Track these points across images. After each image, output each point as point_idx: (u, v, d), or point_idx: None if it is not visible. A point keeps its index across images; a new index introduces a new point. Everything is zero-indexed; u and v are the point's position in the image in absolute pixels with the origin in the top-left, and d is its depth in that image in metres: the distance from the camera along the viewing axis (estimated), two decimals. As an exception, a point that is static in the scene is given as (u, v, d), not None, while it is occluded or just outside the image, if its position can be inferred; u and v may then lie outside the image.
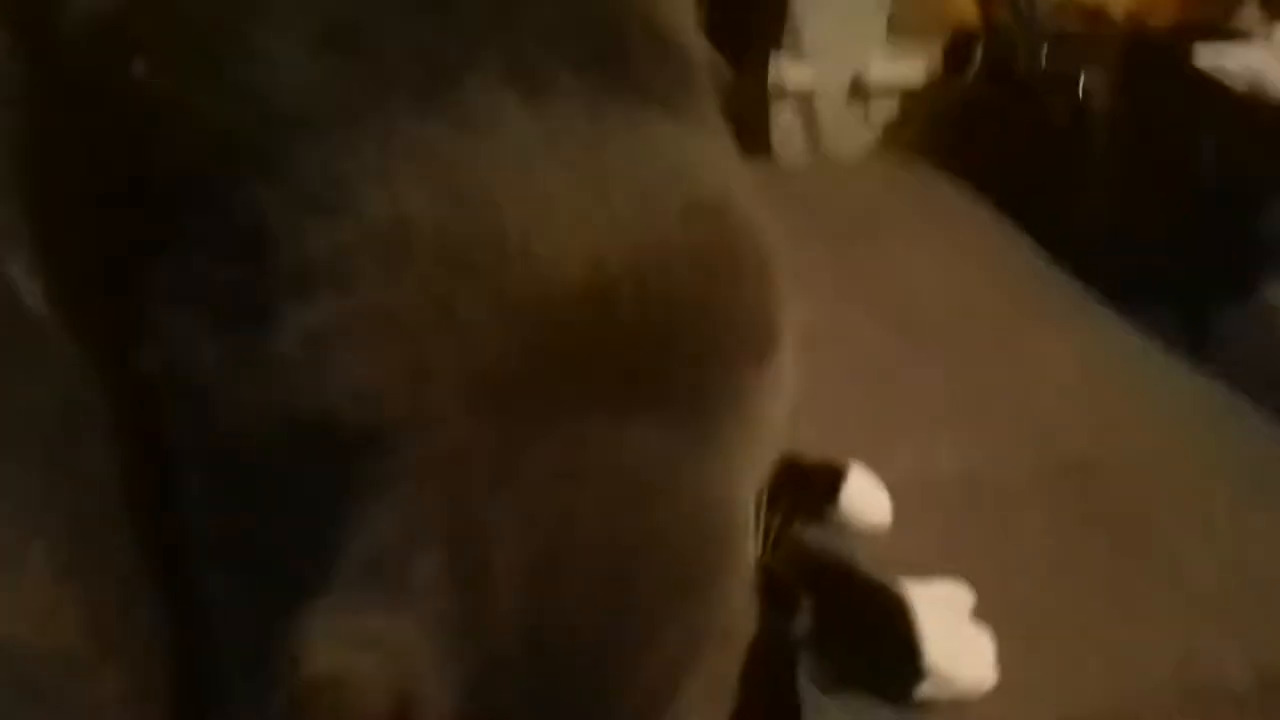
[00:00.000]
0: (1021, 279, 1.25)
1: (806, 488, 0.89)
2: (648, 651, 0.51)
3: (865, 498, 0.90)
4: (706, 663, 0.53)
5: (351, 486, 0.51)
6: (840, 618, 0.75)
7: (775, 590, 0.65)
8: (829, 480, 0.90)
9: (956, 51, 2.01)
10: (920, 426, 1.00)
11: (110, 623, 0.57)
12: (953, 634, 0.76)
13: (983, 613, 0.80)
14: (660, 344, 0.56)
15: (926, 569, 0.79)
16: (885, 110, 2.05)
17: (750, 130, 1.72)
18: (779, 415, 0.63)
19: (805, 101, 1.97)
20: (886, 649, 0.75)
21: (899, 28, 1.94)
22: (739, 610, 0.56)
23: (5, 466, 0.53)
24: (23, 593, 0.50)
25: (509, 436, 0.52)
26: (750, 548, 0.59)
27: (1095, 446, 1.00)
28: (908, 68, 2.02)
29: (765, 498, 0.68)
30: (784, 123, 1.91)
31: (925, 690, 0.74)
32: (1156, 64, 1.92)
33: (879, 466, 0.91)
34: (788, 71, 1.90)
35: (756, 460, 0.61)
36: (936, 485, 0.93)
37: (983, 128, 1.99)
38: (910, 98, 2.06)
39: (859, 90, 2.01)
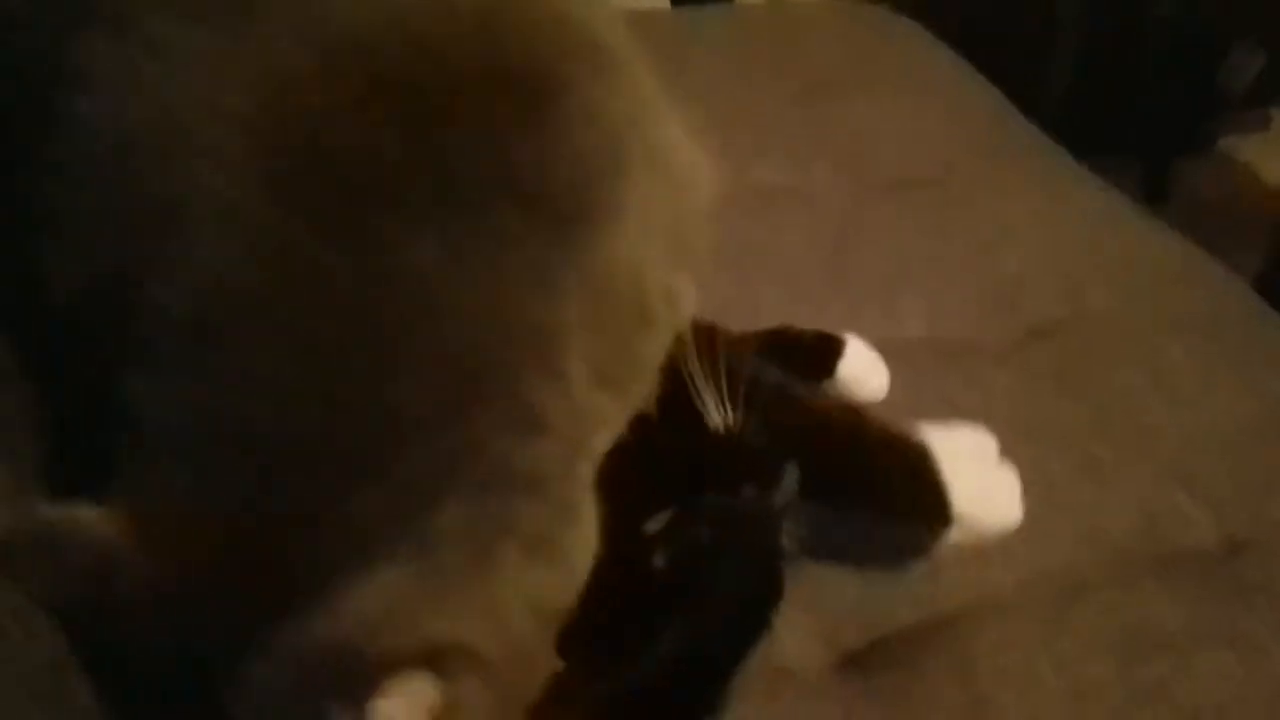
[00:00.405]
0: (988, 132, 1.22)
1: (799, 359, 0.84)
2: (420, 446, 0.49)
3: (864, 369, 0.86)
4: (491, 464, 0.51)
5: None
6: (847, 473, 0.71)
7: (749, 462, 0.62)
8: (825, 352, 0.85)
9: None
10: (884, 287, 0.98)
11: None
12: (977, 476, 0.73)
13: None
14: (426, 112, 0.53)
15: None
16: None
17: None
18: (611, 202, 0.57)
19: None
20: (907, 499, 0.72)
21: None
22: (548, 407, 0.53)
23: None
24: None
25: (271, 256, 0.51)
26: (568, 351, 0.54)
27: (1061, 307, 0.98)
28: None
29: (726, 363, 0.65)
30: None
31: (951, 537, 0.71)
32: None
33: (842, 329, 0.88)
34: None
35: (572, 249, 0.55)
36: (901, 348, 0.90)
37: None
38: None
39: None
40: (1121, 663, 0.70)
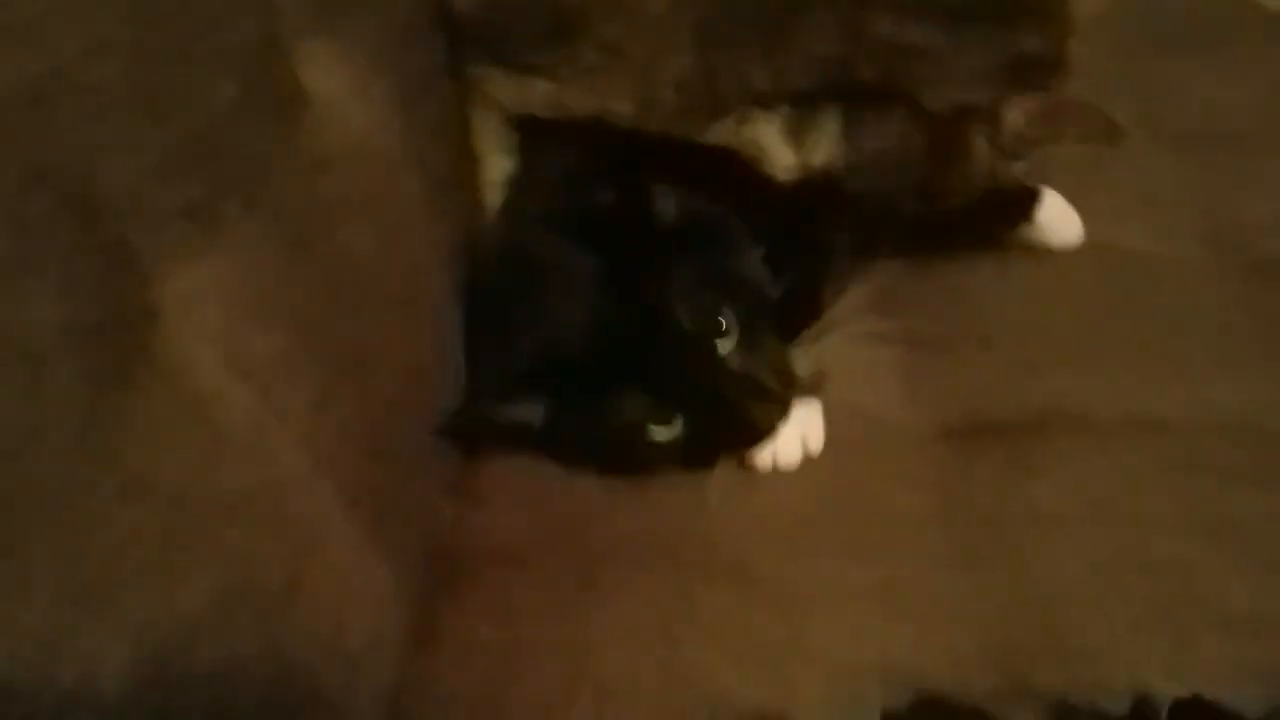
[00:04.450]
0: None
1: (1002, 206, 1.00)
2: None
3: (1059, 217, 1.01)
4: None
5: None
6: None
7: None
8: (1026, 200, 1.00)
9: None
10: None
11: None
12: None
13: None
14: None
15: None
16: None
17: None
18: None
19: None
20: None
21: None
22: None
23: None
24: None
25: None
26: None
27: None
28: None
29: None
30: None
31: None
32: None
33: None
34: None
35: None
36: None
37: None
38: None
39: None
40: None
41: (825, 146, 0.88)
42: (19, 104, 0.50)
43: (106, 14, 0.56)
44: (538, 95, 0.87)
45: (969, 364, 0.89)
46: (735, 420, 0.79)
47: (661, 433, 0.78)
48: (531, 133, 0.89)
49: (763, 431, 0.80)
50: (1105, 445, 0.83)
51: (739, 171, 0.87)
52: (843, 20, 0.86)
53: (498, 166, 0.90)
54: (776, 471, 0.81)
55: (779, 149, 0.88)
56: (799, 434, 0.82)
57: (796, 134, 0.88)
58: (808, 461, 0.82)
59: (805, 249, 0.86)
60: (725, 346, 0.78)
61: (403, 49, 0.85)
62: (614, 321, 0.77)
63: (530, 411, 0.78)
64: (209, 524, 0.55)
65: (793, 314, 0.83)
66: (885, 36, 0.85)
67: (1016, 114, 0.92)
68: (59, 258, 0.51)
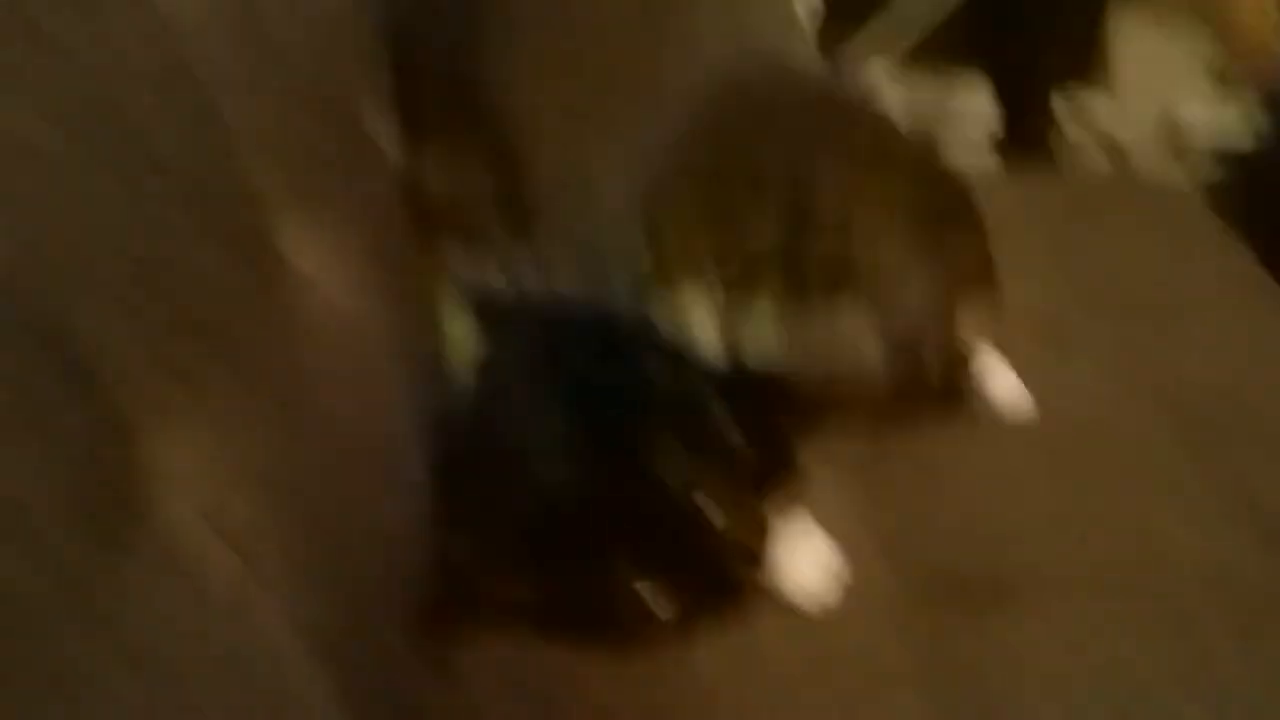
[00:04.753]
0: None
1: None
2: None
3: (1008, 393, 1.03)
4: None
5: None
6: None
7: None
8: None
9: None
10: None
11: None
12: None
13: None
14: None
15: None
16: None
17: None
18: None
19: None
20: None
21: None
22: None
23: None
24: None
25: None
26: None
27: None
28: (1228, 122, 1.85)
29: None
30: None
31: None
32: None
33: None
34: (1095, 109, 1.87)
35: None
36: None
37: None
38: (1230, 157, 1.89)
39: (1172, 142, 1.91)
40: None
41: (760, 338, 0.90)
42: (29, 273, 0.51)
43: (102, 190, 0.58)
44: (497, 274, 0.91)
45: (938, 531, 0.91)
46: (722, 579, 0.80)
47: (647, 593, 0.78)
48: (494, 305, 0.92)
49: (747, 591, 0.81)
50: (1075, 603, 0.86)
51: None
52: (789, 204, 0.91)
53: (463, 335, 0.92)
54: (761, 635, 0.82)
55: (707, 328, 0.90)
56: (818, 563, 0.85)
57: (727, 317, 0.90)
58: (791, 626, 0.82)
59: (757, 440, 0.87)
60: (710, 508, 0.79)
61: (374, 226, 0.88)
62: (598, 486, 0.77)
63: (513, 581, 0.78)
64: (198, 691, 0.53)
65: (761, 481, 0.84)
66: (834, 220, 0.91)
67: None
68: (55, 422, 0.51)
